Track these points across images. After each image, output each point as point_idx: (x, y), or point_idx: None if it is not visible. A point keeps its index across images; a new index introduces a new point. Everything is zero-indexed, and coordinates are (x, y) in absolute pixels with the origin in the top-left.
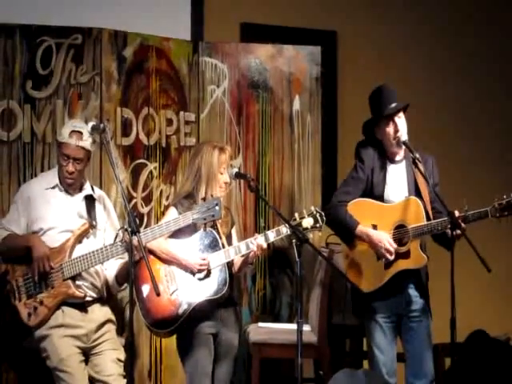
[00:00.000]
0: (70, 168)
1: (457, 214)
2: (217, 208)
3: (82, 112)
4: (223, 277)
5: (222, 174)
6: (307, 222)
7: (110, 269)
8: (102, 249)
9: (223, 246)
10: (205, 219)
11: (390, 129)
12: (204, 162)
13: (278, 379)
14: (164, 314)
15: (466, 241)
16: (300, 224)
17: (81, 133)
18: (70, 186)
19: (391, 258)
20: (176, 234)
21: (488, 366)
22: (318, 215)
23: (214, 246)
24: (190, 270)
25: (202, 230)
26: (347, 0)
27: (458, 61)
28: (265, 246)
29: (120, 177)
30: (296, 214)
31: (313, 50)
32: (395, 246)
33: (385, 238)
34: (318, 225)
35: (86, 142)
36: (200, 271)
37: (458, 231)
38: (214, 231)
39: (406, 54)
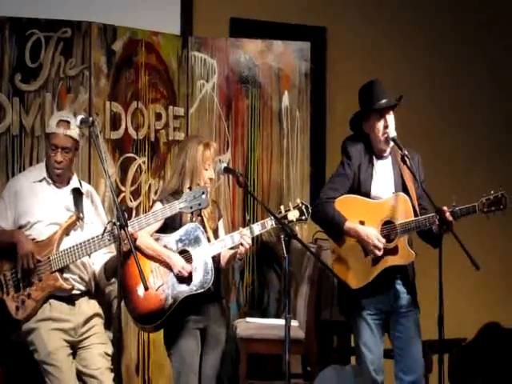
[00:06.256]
0: (59, 157)
1: (445, 209)
2: (203, 197)
3: (71, 105)
4: (208, 271)
5: (206, 169)
6: (293, 215)
7: (98, 262)
8: (89, 240)
9: (209, 240)
10: (191, 208)
11: (380, 124)
12: (188, 158)
13: (265, 374)
14: (150, 308)
15: (454, 238)
16: (286, 216)
17: (68, 122)
18: (59, 176)
19: (379, 253)
20: (162, 228)
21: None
22: (303, 207)
23: (199, 240)
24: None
25: (188, 223)
26: None
27: (448, 58)
28: (249, 240)
29: (109, 171)
30: (282, 207)
31: (302, 45)
32: (383, 241)
33: (373, 234)
34: (303, 217)
35: (73, 131)
36: (179, 274)
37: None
38: (199, 225)
39: (395, 51)
